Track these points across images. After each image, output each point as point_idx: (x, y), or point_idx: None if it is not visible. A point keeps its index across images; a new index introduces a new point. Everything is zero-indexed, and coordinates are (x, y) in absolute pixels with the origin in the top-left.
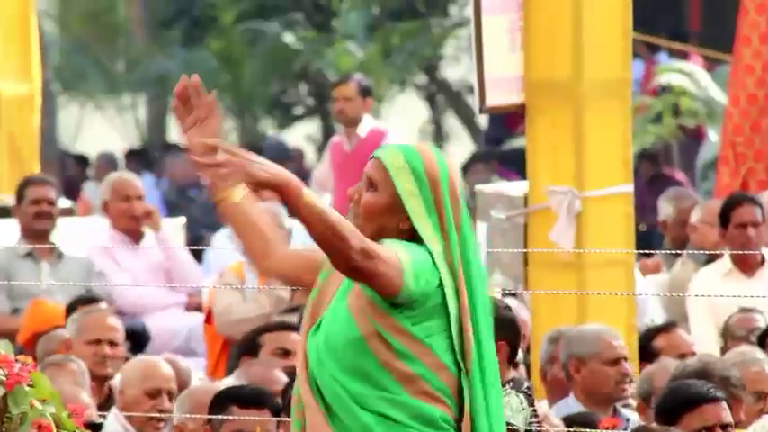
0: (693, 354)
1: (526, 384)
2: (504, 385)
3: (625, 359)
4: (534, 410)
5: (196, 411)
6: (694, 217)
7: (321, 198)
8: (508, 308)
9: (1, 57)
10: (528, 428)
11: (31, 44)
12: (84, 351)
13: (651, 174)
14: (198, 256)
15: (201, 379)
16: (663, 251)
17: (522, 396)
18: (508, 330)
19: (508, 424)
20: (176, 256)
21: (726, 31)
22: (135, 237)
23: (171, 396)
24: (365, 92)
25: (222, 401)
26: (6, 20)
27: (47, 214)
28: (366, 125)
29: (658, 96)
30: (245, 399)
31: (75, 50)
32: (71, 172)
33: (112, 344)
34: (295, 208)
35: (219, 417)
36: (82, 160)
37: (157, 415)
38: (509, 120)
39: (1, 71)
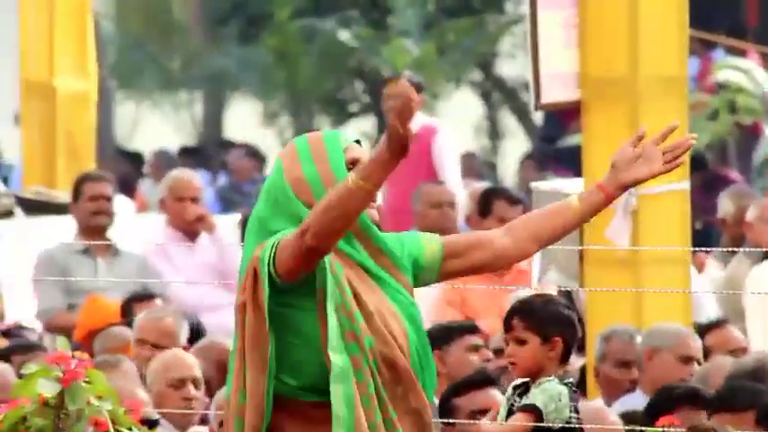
0: (745, 350)
1: (570, 379)
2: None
3: (698, 363)
4: (575, 407)
5: None
6: (750, 214)
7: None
8: (567, 306)
9: (58, 54)
10: (566, 424)
11: (87, 41)
12: (140, 352)
13: (707, 171)
14: None
15: None
16: (718, 249)
17: (563, 387)
18: (565, 328)
19: (537, 410)
20: (231, 255)
21: None
22: (190, 235)
23: (196, 384)
24: (417, 88)
25: None
26: (63, 18)
27: (104, 211)
28: (417, 121)
29: (715, 93)
30: None
31: (131, 47)
32: (126, 169)
33: (159, 347)
34: (368, 179)
35: None
36: (137, 157)
37: (188, 411)
38: (564, 116)
39: (58, 68)
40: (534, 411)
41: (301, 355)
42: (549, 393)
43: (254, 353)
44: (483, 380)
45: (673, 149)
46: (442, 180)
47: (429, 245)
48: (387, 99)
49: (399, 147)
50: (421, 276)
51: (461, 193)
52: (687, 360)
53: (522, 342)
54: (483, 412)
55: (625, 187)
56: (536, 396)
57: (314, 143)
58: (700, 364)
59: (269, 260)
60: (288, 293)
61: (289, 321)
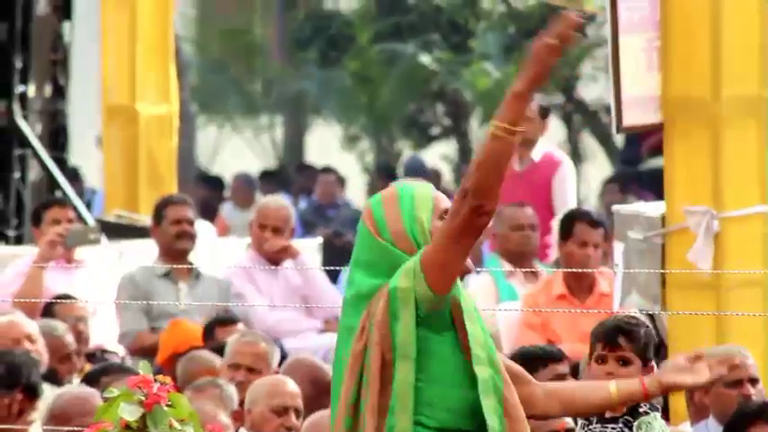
0: None
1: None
2: (641, 405)
3: (751, 381)
4: None
5: None
6: None
7: None
8: (648, 326)
9: (140, 78)
10: None
11: (168, 65)
12: (234, 376)
13: None
14: (335, 276)
15: None
16: None
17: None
18: (658, 353)
19: None
20: (314, 280)
21: None
22: (274, 260)
23: (298, 413)
24: (544, 113)
25: None
26: (145, 42)
27: (187, 234)
28: (540, 149)
29: None
30: None
31: (212, 71)
32: (208, 193)
33: (253, 371)
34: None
35: None
36: (218, 181)
37: None
38: (645, 139)
39: (140, 92)
40: None
41: (435, 391)
42: (653, 428)
43: (375, 397)
44: None
45: (723, 362)
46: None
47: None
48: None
49: (539, 74)
50: None
51: None
52: (735, 384)
53: (627, 363)
54: None
55: (664, 389)
56: None
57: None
58: (752, 383)
59: (413, 285)
60: (425, 327)
61: (424, 355)
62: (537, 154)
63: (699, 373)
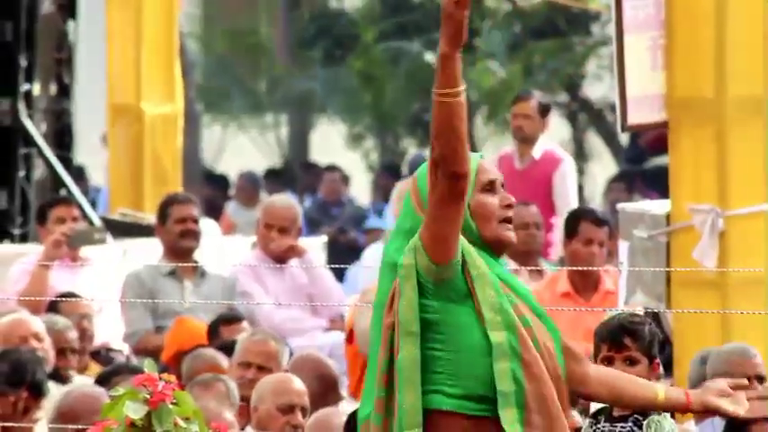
0: None
1: None
2: None
3: (760, 378)
4: None
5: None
6: None
7: None
8: (651, 323)
9: (145, 77)
10: None
11: (174, 65)
12: (243, 374)
13: None
14: (340, 274)
15: (345, 397)
16: None
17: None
18: (662, 351)
19: None
20: (320, 279)
21: None
22: (280, 259)
23: (304, 411)
24: (544, 110)
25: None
26: (150, 41)
27: (192, 233)
28: (541, 146)
29: None
30: None
31: (218, 70)
32: (213, 191)
33: (264, 369)
34: (442, 82)
35: None
36: (223, 180)
37: None
38: (650, 138)
39: (145, 91)
40: None
41: (461, 360)
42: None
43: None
44: None
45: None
46: (562, 208)
47: (551, 320)
48: None
49: (455, 30)
50: None
51: None
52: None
53: (634, 363)
54: None
55: (706, 409)
56: None
57: None
58: (760, 381)
59: (415, 260)
60: (439, 298)
61: (445, 326)
62: (537, 152)
63: (739, 403)
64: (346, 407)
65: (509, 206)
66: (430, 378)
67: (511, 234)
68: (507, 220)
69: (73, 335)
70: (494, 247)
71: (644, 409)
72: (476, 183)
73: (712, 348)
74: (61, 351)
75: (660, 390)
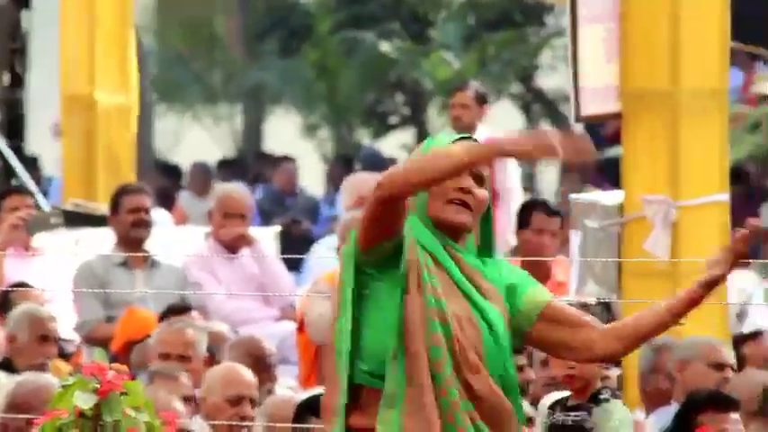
0: None
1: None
2: (601, 392)
3: (732, 368)
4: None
5: (279, 421)
6: None
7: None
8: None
9: (99, 68)
10: None
11: (128, 55)
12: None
13: (747, 182)
14: (295, 265)
15: (292, 387)
16: (758, 260)
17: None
18: None
19: None
20: (271, 269)
21: None
22: (233, 248)
23: (253, 403)
24: (482, 99)
25: (305, 411)
26: (105, 31)
27: (143, 223)
28: (481, 134)
29: (758, 105)
30: None
31: (172, 61)
32: (166, 181)
33: (184, 358)
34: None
35: (302, 426)
36: (176, 170)
37: (240, 423)
38: (604, 129)
39: (99, 82)
40: None
41: (374, 339)
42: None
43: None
44: None
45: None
46: (504, 194)
47: (535, 292)
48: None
49: (528, 151)
50: (514, 321)
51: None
52: (719, 367)
53: None
54: None
55: (705, 287)
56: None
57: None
58: (733, 370)
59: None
60: (371, 276)
61: (369, 301)
62: (478, 139)
63: (723, 262)
64: (297, 395)
65: (461, 189)
66: (354, 350)
67: (458, 216)
68: (456, 201)
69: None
70: (441, 228)
71: (661, 331)
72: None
73: (665, 338)
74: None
75: (662, 304)
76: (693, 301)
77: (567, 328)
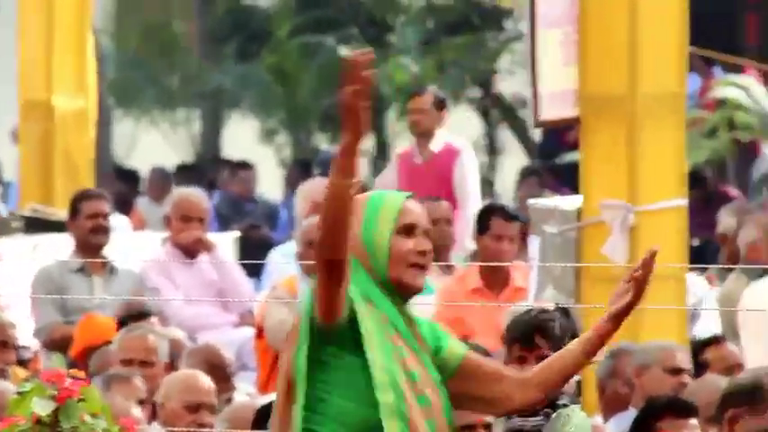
0: (741, 367)
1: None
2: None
3: (689, 374)
4: None
5: (239, 428)
6: (748, 231)
7: None
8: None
9: (56, 71)
10: None
11: (86, 59)
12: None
13: (705, 187)
14: (255, 271)
15: (251, 394)
16: (715, 266)
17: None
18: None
19: None
20: (230, 274)
21: None
22: (191, 253)
23: (212, 409)
24: (440, 104)
25: (266, 418)
26: (62, 35)
27: (102, 228)
28: (440, 139)
29: (715, 110)
30: None
31: (130, 65)
32: (124, 187)
33: (146, 364)
34: (338, 173)
35: None
36: (134, 175)
37: (198, 430)
38: (563, 133)
39: (56, 85)
40: None
41: (335, 403)
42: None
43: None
44: None
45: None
46: (462, 199)
47: (454, 344)
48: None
49: (355, 121)
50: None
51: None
52: (675, 372)
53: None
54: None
55: (613, 319)
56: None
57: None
58: (690, 375)
59: (310, 308)
60: (332, 344)
61: (331, 368)
62: (437, 145)
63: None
64: (256, 401)
65: (423, 253)
66: (311, 417)
67: (418, 280)
68: (417, 266)
69: None
70: (398, 290)
71: (577, 370)
72: (395, 223)
73: (621, 344)
74: None
75: (573, 343)
76: (604, 337)
77: (482, 383)
